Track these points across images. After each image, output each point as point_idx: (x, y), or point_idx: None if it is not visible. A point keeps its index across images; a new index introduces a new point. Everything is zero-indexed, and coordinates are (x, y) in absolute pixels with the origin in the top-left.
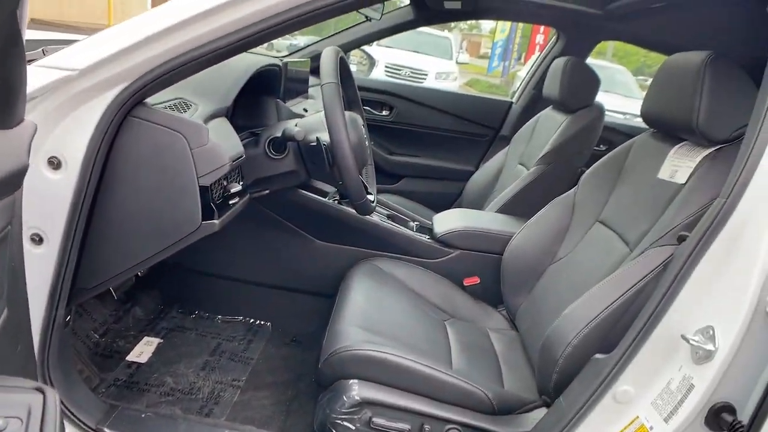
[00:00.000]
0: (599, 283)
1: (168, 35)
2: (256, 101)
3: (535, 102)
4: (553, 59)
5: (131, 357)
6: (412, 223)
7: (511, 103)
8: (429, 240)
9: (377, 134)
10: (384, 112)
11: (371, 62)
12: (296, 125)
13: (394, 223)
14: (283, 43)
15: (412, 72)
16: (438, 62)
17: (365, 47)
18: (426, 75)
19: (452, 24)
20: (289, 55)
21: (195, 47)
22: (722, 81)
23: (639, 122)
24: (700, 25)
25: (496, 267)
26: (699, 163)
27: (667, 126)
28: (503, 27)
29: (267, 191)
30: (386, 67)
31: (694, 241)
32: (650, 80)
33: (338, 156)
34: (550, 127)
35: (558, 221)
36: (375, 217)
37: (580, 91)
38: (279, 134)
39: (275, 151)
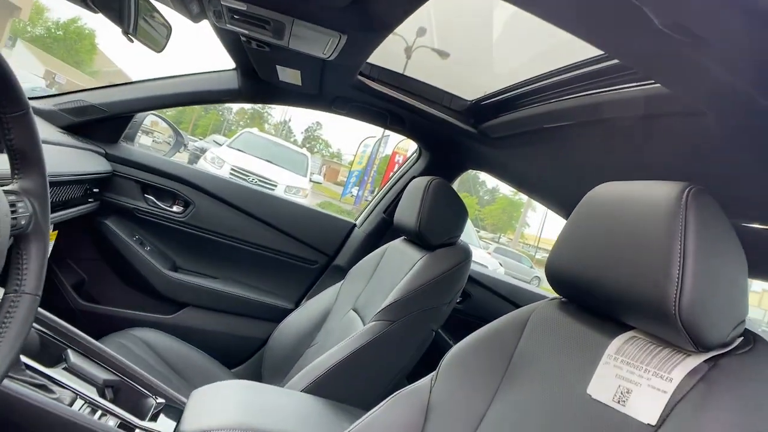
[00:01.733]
0: None
1: None
2: None
3: (383, 229)
4: (411, 179)
5: None
6: (152, 401)
7: (354, 225)
8: None
9: (159, 237)
10: (176, 208)
11: (178, 142)
12: None
13: (100, 402)
14: None
15: (260, 180)
16: (290, 176)
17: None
18: (275, 186)
19: (315, 148)
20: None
21: None
22: (716, 236)
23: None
24: (621, 155)
25: None
26: (680, 385)
27: (601, 301)
28: (360, 159)
29: None
30: (232, 169)
31: None
32: (483, 232)
33: None
34: (399, 265)
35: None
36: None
37: (443, 222)
38: None
39: None
